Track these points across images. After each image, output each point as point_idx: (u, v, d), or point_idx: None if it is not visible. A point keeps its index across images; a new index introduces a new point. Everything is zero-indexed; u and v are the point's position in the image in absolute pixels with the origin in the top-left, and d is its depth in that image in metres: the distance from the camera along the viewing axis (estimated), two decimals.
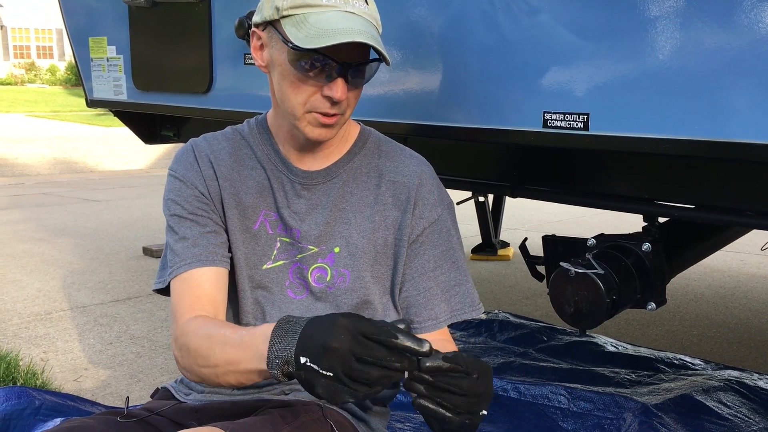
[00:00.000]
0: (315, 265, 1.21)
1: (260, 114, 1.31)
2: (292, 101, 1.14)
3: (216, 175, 1.22)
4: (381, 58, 1.11)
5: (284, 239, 1.22)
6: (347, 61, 1.10)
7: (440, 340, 1.25)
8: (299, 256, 1.21)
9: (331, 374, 0.86)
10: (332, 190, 1.22)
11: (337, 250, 1.21)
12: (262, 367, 0.95)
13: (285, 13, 1.09)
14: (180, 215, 1.20)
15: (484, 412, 0.95)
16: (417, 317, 1.24)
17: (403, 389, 0.93)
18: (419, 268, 1.24)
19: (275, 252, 1.22)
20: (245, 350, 1.00)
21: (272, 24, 1.12)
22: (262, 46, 1.17)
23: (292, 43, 1.08)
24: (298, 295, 1.21)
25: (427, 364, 0.89)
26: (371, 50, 1.12)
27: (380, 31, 1.15)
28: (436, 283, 1.24)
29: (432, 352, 0.88)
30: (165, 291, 1.23)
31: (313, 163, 1.23)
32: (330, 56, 1.08)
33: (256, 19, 1.16)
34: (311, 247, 1.21)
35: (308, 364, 0.88)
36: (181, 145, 1.31)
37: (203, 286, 1.16)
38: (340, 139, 1.24)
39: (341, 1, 1.09)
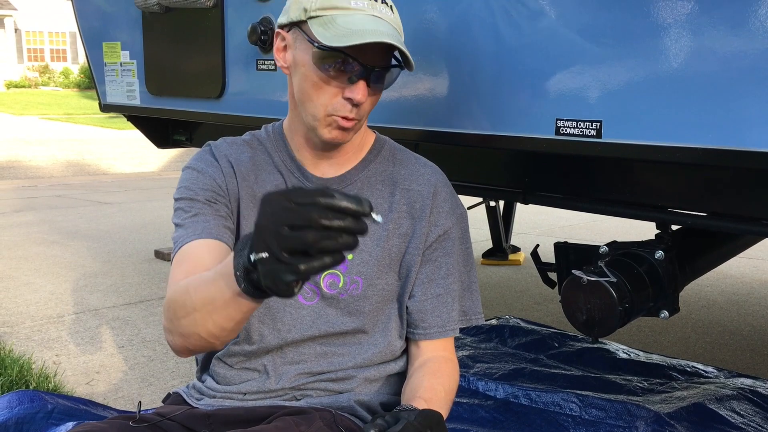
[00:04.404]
0: (327, 272, 1.21)
1: (273, 119, 1.31)
2: (314, 102, 1.14)
3: (235, 174, 1.22)
4: (404, 64, 1.13)
5: None
6: (371, 65, 1.10)
7: (440, 357, 1.25)
8: None
9: (266, 255, 0.77)
10: None
11: (350, 257, 1.21)
12: (234, 288, 0.87)
13: (313, 14, 1.10)
14: (191, 198, 1.18)
15: None
16: (423, 323, 1.25)
17: None
18: (430, 274, 1.25)
19: None
20: (218, 281, 0.92)
21: (298, 25, 1.13)
22: (285, 47, 1.18)
23: (318, 42, 1.08)
24: (308, 301, 1.21)
25: None
26: (392, 58, 1.14)
27: (402, 39, 1.16)
28: (446, 291, 1.25)
29: (373, 209, 0.77)
30: None
31: (328, 170, 1.23)
32: (354, 57, 1.09)
33: (281, 20, 1.17)
34: None
35: (251, 257, 0.80)
36: (193, 149, 1.32)
37: (203, 255, 1.10)
38: (356, 146, 1.25)
39: (369, 5, 1.10)
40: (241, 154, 1.24)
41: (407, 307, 1.26)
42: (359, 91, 1.11)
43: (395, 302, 1.25)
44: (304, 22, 1.11)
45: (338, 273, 1.21)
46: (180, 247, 1.13)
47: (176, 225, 1.18)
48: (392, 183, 1.25)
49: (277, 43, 1.19)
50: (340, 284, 1.21)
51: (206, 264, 1.08)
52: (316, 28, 1.09)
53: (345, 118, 1.14)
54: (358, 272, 1.21)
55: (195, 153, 1.27)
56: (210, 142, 1.28)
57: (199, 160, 1.24)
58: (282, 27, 1.17)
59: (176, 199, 1.21)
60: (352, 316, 1.21)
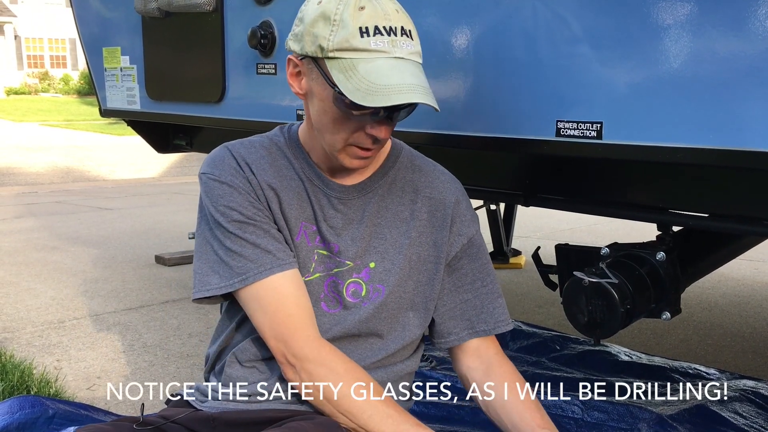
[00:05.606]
0: (350, 280, 1.21)
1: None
2: (333, 135, 1.12)
3: (260, 184, 1.19)
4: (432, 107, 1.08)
5: (321, 252, 1.21)
6: (396, 107, 1.07)
7: (492, 350, 1.31)
8: (335, 270, 1.21)
9: None
10: (368, 204, 1.22)
11: (372, 265, 1.21)
12: None
13: (330, 54, 1.05)
14: (240, 221, 1.15)
15: None
16: (455, 329, 1.28)
17: None
18: (457, 282, 1.27)
19: (313, 264, 1.21)
20: None
21: (314, 59, 1.09)
22: (299, 74, 1.14)
23: (338, 88, 1.04)
24: (331, 309, 1.21)
25: None
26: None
27: (420, 62, 1.12)
28: (475, 296, 1.28)
29: None
30: (206, 299, 1.18)
31: (347, 178, 1.23)
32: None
33: (294, 47, 1.12)
34: (348, 261, 1.21)
35: None
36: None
37: (297, 294, 1.15)
38: None
39: (389, 44, 1.05)
40: (261, 159, 1.21)
41: (434, 319, 1.28)
42: (382, 129, 1.10)
43: (416, 310, 1.26)
44: (321, 59, 1.07)
45: (361, 282, 1.21)
46: (256, 281, 1.14)
47: (231, 250, 1.15)
48: (413, 190, 1.25)
49: (290, 69, 1.15)
50: (363, 293, 1.21)
51: (305, 305, 1.15)
52: (335, 74, 1.05)
53: (366, 149, 1.13)
54: (381, 280, 1.21)
55: (213, 156, 1.22)
56: (228, 145, 1.23)
57: (223, 168, 1.18)
58: (293, 53, 1.13)
59: (222, 222, 1.16)
60: (370, 322, 1.22)
